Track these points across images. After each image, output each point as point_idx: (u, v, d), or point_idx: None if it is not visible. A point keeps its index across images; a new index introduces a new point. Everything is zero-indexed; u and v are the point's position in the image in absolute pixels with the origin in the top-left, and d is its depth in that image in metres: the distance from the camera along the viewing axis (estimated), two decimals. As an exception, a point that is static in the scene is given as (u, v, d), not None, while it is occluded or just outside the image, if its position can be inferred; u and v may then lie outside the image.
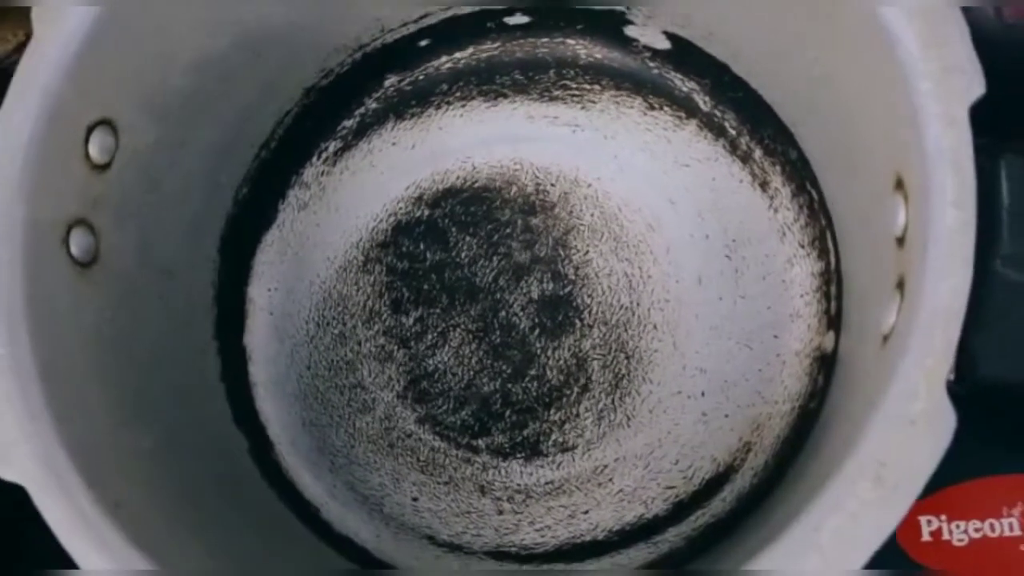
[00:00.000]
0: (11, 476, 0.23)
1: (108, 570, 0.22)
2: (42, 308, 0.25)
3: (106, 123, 0.28)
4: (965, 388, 0.20)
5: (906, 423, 0.20)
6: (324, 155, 0.37)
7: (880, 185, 0.24)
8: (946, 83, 0.21)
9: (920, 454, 0.20)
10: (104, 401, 0.26)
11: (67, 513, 0.23)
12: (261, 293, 0.37)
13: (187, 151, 0.32)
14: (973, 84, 0.20)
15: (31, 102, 0.26)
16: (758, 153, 0.34)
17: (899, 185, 0.23)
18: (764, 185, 0.34)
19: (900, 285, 0.23)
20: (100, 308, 0.28)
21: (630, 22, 0.35)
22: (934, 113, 0.21)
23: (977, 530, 0.34)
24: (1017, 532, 0.34)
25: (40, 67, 0.26)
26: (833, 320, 0.32)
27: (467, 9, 0.36)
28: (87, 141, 0.28)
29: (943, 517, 0.35)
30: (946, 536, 0.34)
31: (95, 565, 0.22)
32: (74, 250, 0.27)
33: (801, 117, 0.32)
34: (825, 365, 0.32)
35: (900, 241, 0.23)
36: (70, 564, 0.22)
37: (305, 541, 0.33)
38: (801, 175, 0.33)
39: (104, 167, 0.28)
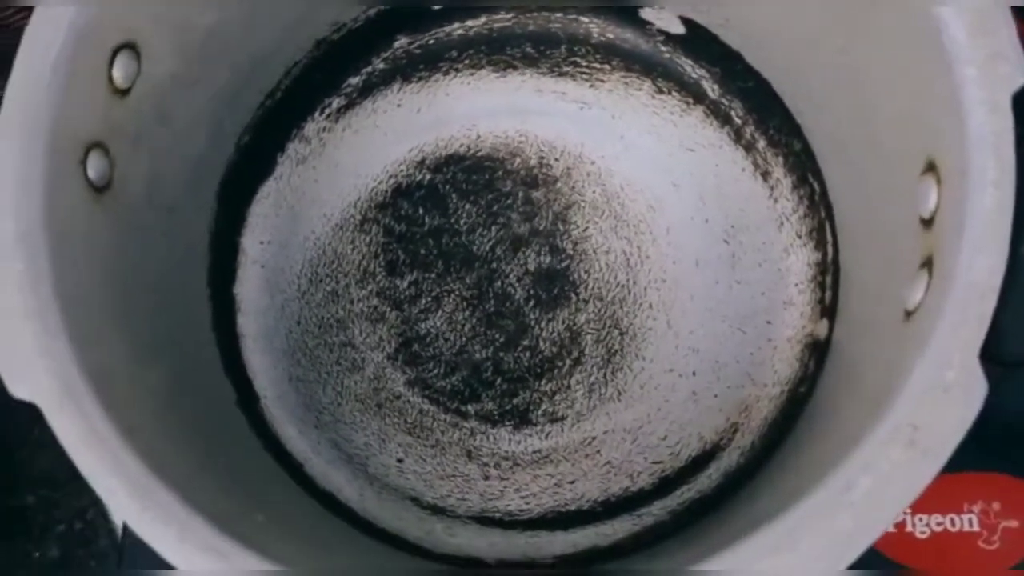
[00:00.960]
0: (25, 394, 0.22)
1: (124, 495, 0.21)
2: (59, 228, 0.24)
3: (131, 47, 0.27)
4: (990, 363, 0.21)
5: (939, 390, 0.21)
6: (327, 111, 0.37)
7: (905, 169, 0.25)
8: (991, 70, 0.22)
9: (952, 420, 0.20)
10: (114, 328, 0.26)
11: (82, 432, 0.22)
12: (253, 245, 0.36)
13: (199, 90, 0.32)
14: (1017, 73, 0.21)
15: (61, 17, 0.25)
16: (762, 143, 0.35)
17: (930, 168, 0.24)
18: (766, 175, 0.35)
19: (927, 264, 0.23)
20: (112, 236, 0.27)
21: (647, 4, 0.35)
22: (978, 99, 0.22)
23: (939, 524, 0.36)
24: (976, 528, 0.36)
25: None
26: (827, 309, 0.33)
27: (486, -24, 0.36)
28: (111, 64, 0.27)
29: (907, 509, 0.36)
30: (909, 528, 0.35)
31: (110, 488, 0.21)
32: (91, 172, 0.26)
33: (811, 107, 0.32)
34: (817, 351, 0.33)
35: (928, 222, 0.24)
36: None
37: (292, 492, 0.32)
38: (804, 167, 0.34)
39: (124, 92, 0.28)
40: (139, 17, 0.27)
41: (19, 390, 0.22)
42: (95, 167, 0.26)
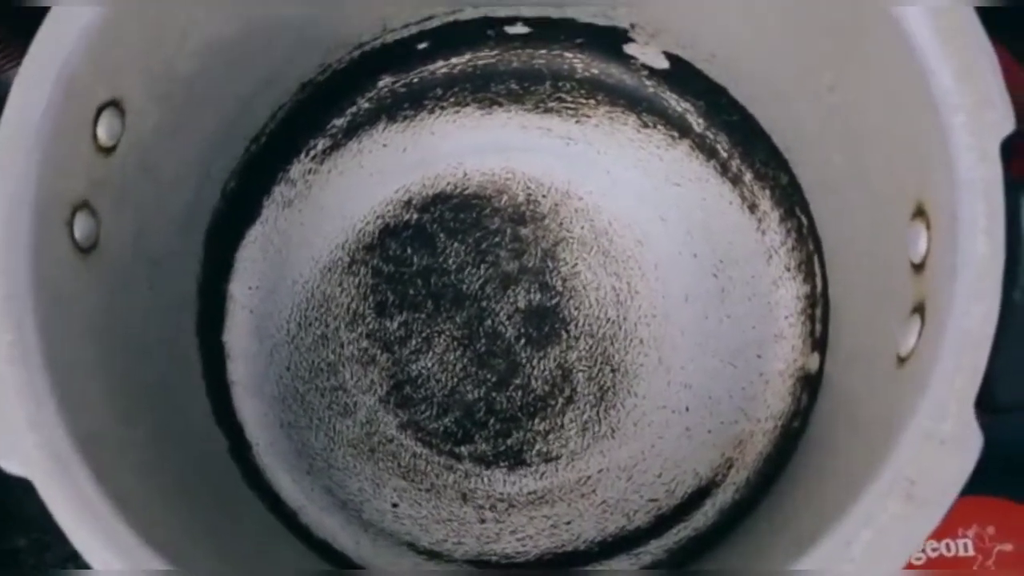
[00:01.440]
0: (16, 469, 0.22)
1: (119, 569, 0.21)
2: (47, 294, 0.24)
3: (115, 105, 0.27)
4: (982, 413, 0.21)
5: (936, 442, 0.21)
6: (312, 153, 0.37)
7: (894, 213, 0.25)
8: (979, 117, 0.22)
9: (949, 472, 0.20)
10: (104, 391, 0.25)
11: (76, 506, 0.22)
12: (242, 290, 0.36)
13: (184, 139, 0.31)
14: (1004, 120, 0.22)
15: (47, 77, 0.24)
16: (748, 176, 0.35)
17: (919, 213, 0.24)
18: (753, 208, 0.35)
19: (919, 309, 0.23)
20: (98, 295, 0.27)
21: (631, 40, 0.35)
22: (966, 146, 0.22)
23: (934, 549, 0.36)
24: (971, 553, 0.36)
25: (59, 42, 0.25)
26: (818, 342, 0.33)
27: (470, 15, 0.36)
28: (96, 122, 0.27)
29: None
30: (905, 554, 0.35)
31: (105, 561, 0.21)
32: (77, 234, 0.26)
33: (800, 144, 0.33)
34: (809, 385, 0.33)
35: (919, 267, 0.24)
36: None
37: (289, 544, 0.32)
38: (791, 200, 0.34)
39: (110, 150, 0.27)
40: (123, 72, 0.27)
41: (10, 465, 0.22)
42: (82, 227, 0.26)
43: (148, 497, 0.24)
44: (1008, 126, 0.22)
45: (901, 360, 0.24)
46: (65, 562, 0.45)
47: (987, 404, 0.22)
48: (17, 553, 0.45)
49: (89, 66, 0.25)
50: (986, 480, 0.36)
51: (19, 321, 0.23)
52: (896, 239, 0.25)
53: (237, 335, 0.35)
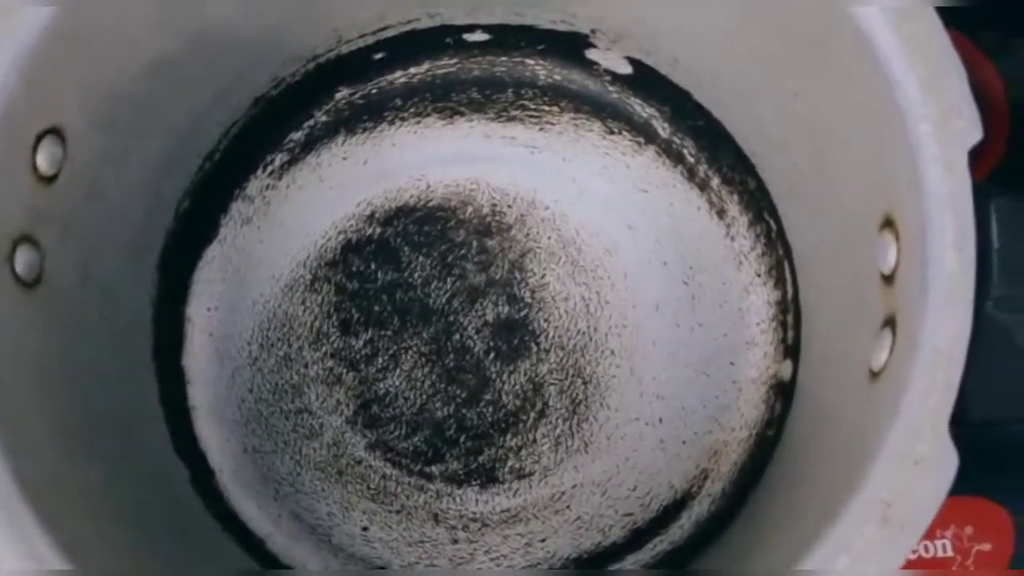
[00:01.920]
0: (-42, 521, 0.21)
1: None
2: (-14, 333, 0.23)
3: (55, 132, 0.26)
4: (956, 429, 0.21)
5: (910, 463, 0.20)
6: (270, 168, 0.36)
7: (862, 223, 0.25)
8: (946, 127, 0.21)
9: (925, 494, 0.20)
10: (51, 432, 0.24)
11: (22, 559, 0.21)
12: (200, 312, 0.35)
13: (132, 162, 0.30)
14: (972, 129, 0.21)
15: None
16: (716, 181, 0.35)
17: (888, 224, 0.23)
18: (721, 213, 0.35)
19: (890, 323, 0.23)
20: (43, 331, 0.26)
21: (593, 45, 0.35)
22: (933, 157, 0.21)
23: (913, 551, 0.35)
24: (950, 553, 0.35)
25: (-9, 69, 0.23)
26: (790, 349, 0.33)
27: (427, 24, 0.35)
28: (35, 151, 0.25)
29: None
30: (884, 557, 0.35)
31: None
32: (19, 268, 0.25)
33: (766, 150, 0.32)
34: (782, 393, 0.33)
35: (888, 279, 0.23)
36: None
37: (255, 574, 0.31)
38: (759, 204, 0.34)
39: (51, 179, 0.26)
40: (62, 99, 0.26)
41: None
42: (23, 262, 0.25)
43: (104, 541, 0.23)
44: (975, 134, 0.21)
45: (874, 375, 0.23)
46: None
47: (961, 420, 0.21)
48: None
49: (24, 94, 0.24)
50: (964, 481, 0.36)
51: (-44, 364, 0.22)
52: (865, 249, 0.25)
53: (197, 359, 0.34)
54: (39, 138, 0.26)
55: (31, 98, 0.25)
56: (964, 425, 0.21)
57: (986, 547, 0.35)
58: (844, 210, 0.26)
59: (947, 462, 0.20)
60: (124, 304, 0.31)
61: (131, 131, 0.29)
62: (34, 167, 0.25)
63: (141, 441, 0.30)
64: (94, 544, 0.23)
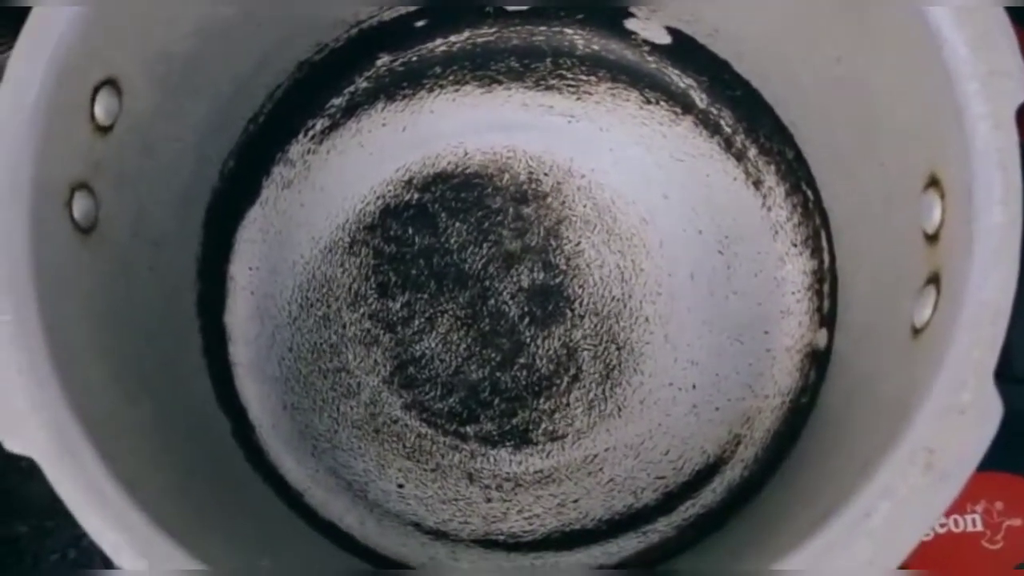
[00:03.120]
0: (19, 448, 0.21)
1: (130, 552, 0.21)
2: (46, 274, 0.24)
3: (112, 83, 0.27)
4: (1000, 381, 0.21)
5: (955, 412, 0.20)
6: (311, 133, 0.36)
7: (906, 185, 0.25)
8: (993, 86, 0.21)
9: (969, 442, 0.20)
10: (105, 373, 0.25)
11: (84, 489, 0.21)
12: (242, 271, 0.35)
13: (182, 120, 0.31)
14: (1019, 88, 0.21)
15: (41, 57, 0.24)
16: (752, 152, 0.35)
17: (933, 183, 0.24)
18: (757, 183, 0.35)
19: (934, 280, 0.23)
20: (98, 277, 0.26)
21: (632, 15, 0.35)
22: (980, 114, 0.21)
23: (942, 525, 0.35)
24: (979, 528, 0.36)
25: (50, 22, 0.24)
26: (826, 318, 0.33)
27: (470, -9, 0.35)
28: (93, 101, 0.26)
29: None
30: (912, 530, 0.35)
31: (114, 544, 0.21)
32: (76, 214, 0.26)
33: (806, 118, 0.32)
34: (817, 361, 0.33)
35: (932, 238, 0.24)
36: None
37: (294, 525, 0.32)
38: (796, 174, 0.34)
39: (107, 129, 0.27)
40: (119, 51, 0.27)
41: (14, 444, 0.22)
42: (81, 208, 0.26)
43: (154, 479, 0.24)
44: (1022, 94, 0.21)
45: (916, 332, 0.23)
46: (67, 548, 0.45)
47: (1005, 375, 0.21)
48: (18, 540, 0.44)
49: (83, 46, 0.25)
50: (994, 455, 0.36)
51: (19, 302, 0.23)
52: (908, 210, 0.25)
53: (238, 317, 0.35)
54: (96, 89, 0.26)
55: (89, 50, 0.25)
56: (1008, 380, 0.21)
57: (1016, 522, 0.35)
58: (887, 173, 0.27)
59: (992, 411, 0.20)
60: (172, 259, 0.32)
61: (181, 89, 0.30)
62: (92, 116, 0.26)
63: (187, 391, 0.31)
64: (148, 481, 0.23)
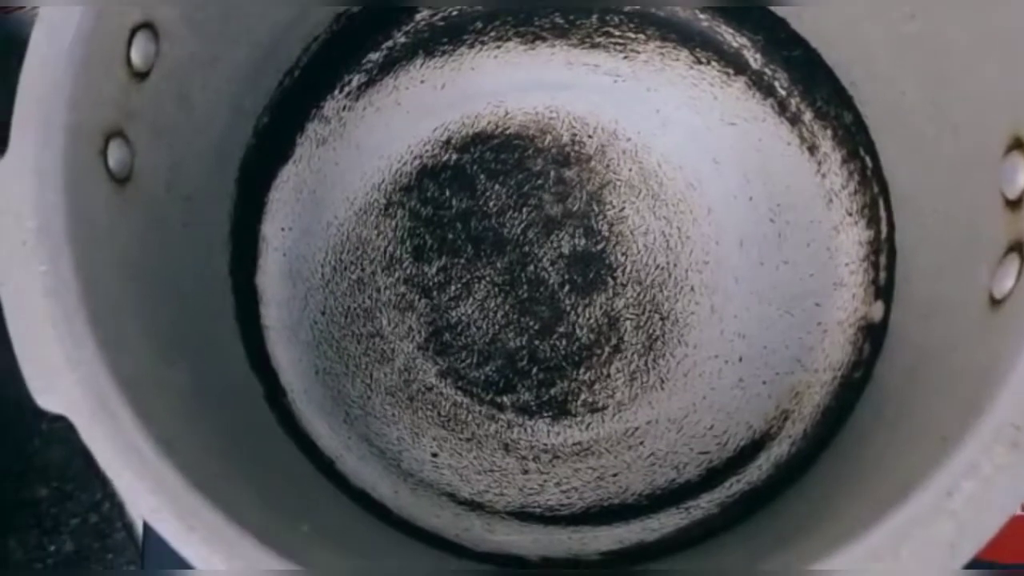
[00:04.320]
0: (55, 407, 0.20)
1: (168, 515, 0.20)
2: (81, 224, 0.23)
3: (149, 27, 0.26)
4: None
5: (1045, 386, 0.19)
6: (347, 89, 0.35)
7: (983, 148, 0.24)
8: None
9: (1060, 419, 0.19)
10: (143, 330, 0.24)
11: (119, 448, 0.20)
12: (275, 232, 0.34)
13: (218, 69, 0.30)
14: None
15: (76, -2, 0.23)
16: (808, 116, 0.33)
17: (1017, 146, 0.22)
18: (813, 149, 0.33)
19: (1016, 248, 0.22)
20: (133, 230, 0.25)
21: (690, -31, 0.33)
22: (1079, 70, 0.20)
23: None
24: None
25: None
26: (882, 290, 0.32)
27: (514, -57, 0.34)
28: (130, 45, 0.25)
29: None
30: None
31: (152, 506, 0.20)
32: (111, 163, 0.25)
33: (869, 79, 0.31)
34: (872, 335, 0.32)
35: (1014, 204, 0.22)
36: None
37: (327, 492, 0.31)
38: (854, 140, 0.33)
39: (143, 76, 0.26)
40: (156, -6, 0.25)
41: (48, 402, 0.21)
42: (116, 157, 0.25)
43: (190, 440, 0.23)
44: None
45: (996, 302, 0.22)
46: (88, 512, 0.44)
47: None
48: (38, 503, 0.44)
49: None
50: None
51: (54, 253, 0.22)
52: (985, 176, 0.24)
53: (270, 278, 0.34)
54: (133, 32, 0.25)
55: (127, -10, 0.24)
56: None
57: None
58: (960, 137, 0.25)
59: (1084, 386, 0.19)
60: (205, 215, 0.31)
61: (218, 37, 0.29)
62: (128, 61, 0.25)
63: (221, 353, 0.30)
64: (186, 443, 0.22)
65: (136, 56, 0.25)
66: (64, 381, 0.21)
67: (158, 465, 0.20)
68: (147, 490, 0.20)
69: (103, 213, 0.24)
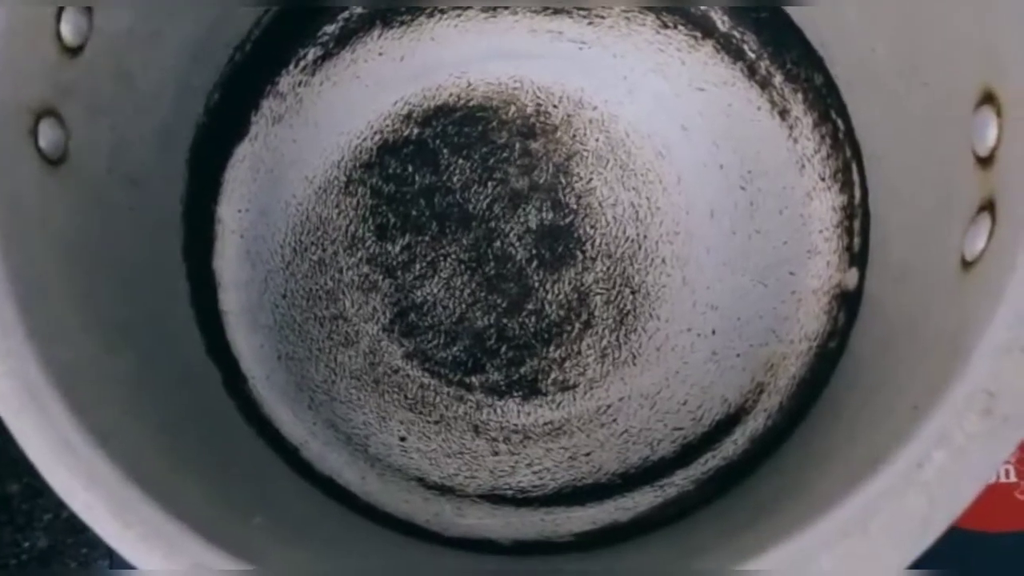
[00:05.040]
0: (-20, 400, 0.19)
1: (102, 510, 0.19)
2: (9, 207, 0.22)
3: (79, -1, 0.24)
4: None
5: (1017, 350, 0.18)
6: (303, 63, 0.34)
7: (953, 104, 0.23)
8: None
9: (1033, 383, 0.18)
10: (78, 318, 0.23)
11: (50, 442, 0.19)
12: (231, 213, 0.33)
13: (162, 45, 0.28)
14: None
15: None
16: (778, 78, 0.32)
17: (987, 100, 0.21)
18: (784, 113, 0.32)
19: (988, 207, 0.21)
20: (70, 214, 0.24)
21: (651, -74, 0.32)
22: (1049, 18, 0.19)
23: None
24: (1013, 479, 0.34)
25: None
26: (856, 257, 0.31)
27: (472, -94, 0.33)
28: (59, 18, 0.24)
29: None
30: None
31: (86, 503, 0.19)
32: (43, 143, 0.23)
33: (839, 37, 0.30)
34: (847, 303, 0.31)
35: (985, 161, 0.21)
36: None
37: (290, 480, 0.30)
38: (826, 103, 0.32)
39: (76, 51, 0.24)
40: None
41: (-27, 396, 0.20)
42: (47, 137, 0.24)
43: (134, 432, 0.22)
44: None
45: (967, 264, 0.21)
46: (59, 507, 0.43)
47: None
48: (10, 499, 0.43)
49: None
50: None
51: (-23, 237, 0.21)
52: (956, 132, 0.23)
53: (228, 261, 0.33)
54: (62, 6, 0.24)
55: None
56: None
57: (1051, 472, 0.34)
58: (931, 93, 0.24)
59: (1059, 349, 0.18)
60: (154, 198, 0.29)
61: (159, 9, 0.28)
62: (58, 35, 0.24)
63: (174, 340, 0.29)
64: (126, 434, 0.21)
65: (66, 30, 0.24)
66: (-10, 373, 0.20)
67: (92, 458, 0.19)
68: (80, 486, 0.19)
69: (34, 195, 0.23)
